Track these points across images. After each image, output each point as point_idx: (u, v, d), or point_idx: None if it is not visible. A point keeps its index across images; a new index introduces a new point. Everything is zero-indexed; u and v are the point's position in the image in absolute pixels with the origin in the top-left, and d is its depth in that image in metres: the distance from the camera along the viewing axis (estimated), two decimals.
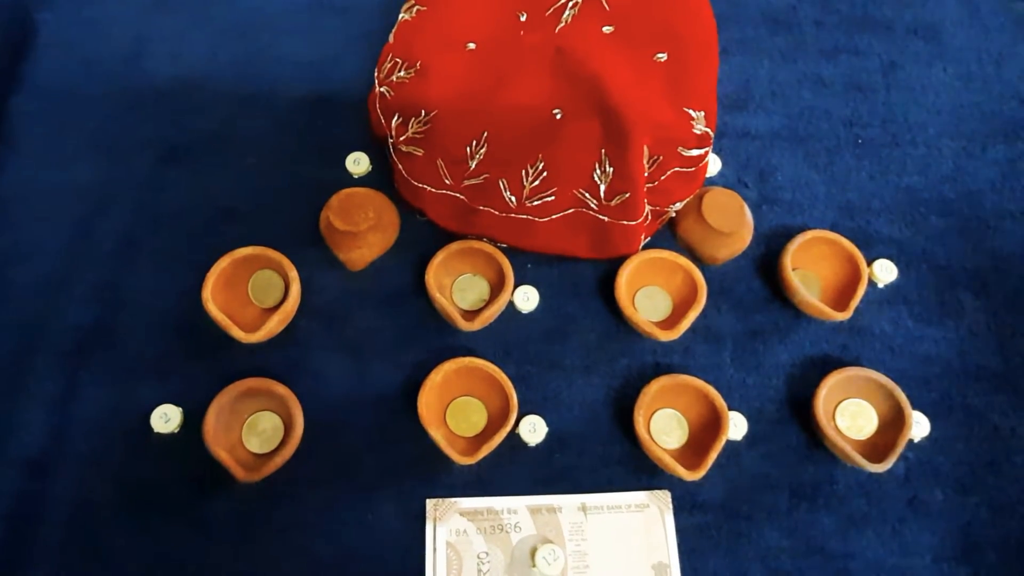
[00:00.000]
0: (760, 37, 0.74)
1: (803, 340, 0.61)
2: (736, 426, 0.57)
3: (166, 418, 0.56)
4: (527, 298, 0.61)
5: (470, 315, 0.60)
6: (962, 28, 0.76)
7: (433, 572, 0.53)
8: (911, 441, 0.58)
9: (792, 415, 0.59)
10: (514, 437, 0.57)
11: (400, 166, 0.62)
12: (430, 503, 0.55)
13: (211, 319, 0.57)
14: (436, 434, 0.55)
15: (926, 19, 0.76)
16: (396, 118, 0.61)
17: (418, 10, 0.64)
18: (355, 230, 0.59)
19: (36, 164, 0.66)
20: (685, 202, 0.62)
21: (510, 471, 0.56)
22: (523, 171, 0.58)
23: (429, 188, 0.61)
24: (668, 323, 0.61)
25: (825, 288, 0.63)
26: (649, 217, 0.61)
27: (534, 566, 0.53)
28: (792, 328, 0.62)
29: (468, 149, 0.58)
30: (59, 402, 0.57)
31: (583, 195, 0.59)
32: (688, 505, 0.56)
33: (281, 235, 0.62)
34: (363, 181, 0.66)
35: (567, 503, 0.56)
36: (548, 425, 0.57)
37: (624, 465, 0.57)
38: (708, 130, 0.60)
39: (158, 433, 0.56)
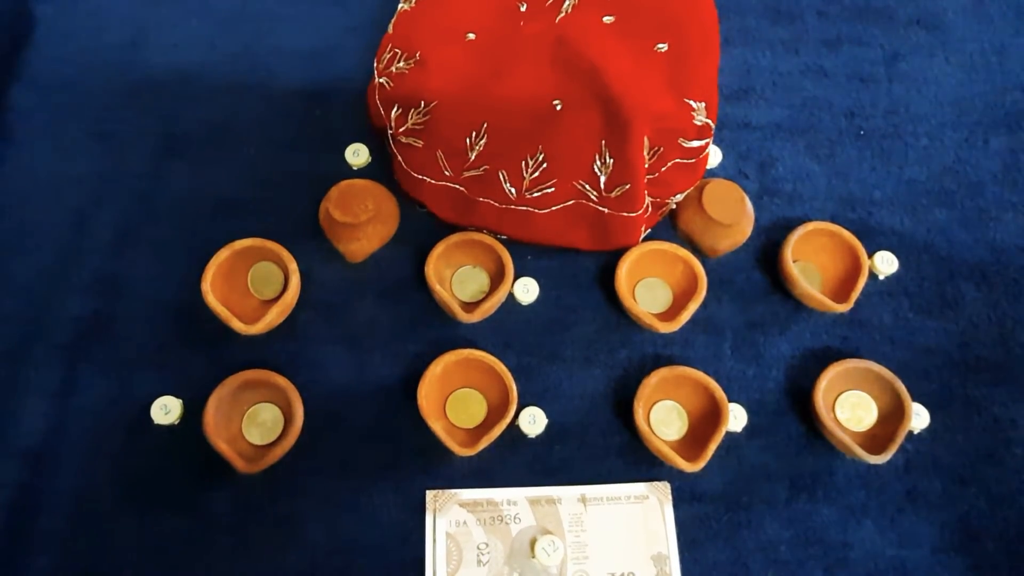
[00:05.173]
0: (762, 27, 0.74)
1: (803, 332, 0.61)
2: (736, 418, 0.57)
3: (166, 409, 0.56)
4: (527, 290, 0.61)
5: (470, 307, 0.59)
6: (964, 18, 0.75)
7: (433, 563, 0.53)
8: (911, 433, 0.58)
9: (792, 406, 0.59)
10: (514, 429, 0.57)
11: (400, 157, 0.62)
12: (430, 494, 0.55)
13: (211, 311, 0.57)
14: (436, 425, 0.55)
15: (928, 9, 0.75)
16: (396, 109, 0.60)
17: (417, 0, 0.63)
18: (354, 221, 0.59)
19: (35, 155, 0.66)
20: (685, 193, 0.62)
21: (510, 462, 0.57)
22: (523, 162, 0.58)
23: (429, 179, 0.61)
24: (668, 315, 0.61)
25: (825, 280, 0.62)
26: (649, 209, 0.61)
27: (533, 557, 0.54)
28: (792, 320, 0.62)
29: (468, 140, 0.58)
30: (59, 394, 0.57)
31: (583, 186, 0.59)
32: (688, 496, 0.56)
33: (280, 227, 0.62)
34: (362, 172, 0.65)
35: (567, 494, 0.56)
36: (548, 417, 0.57)
37: (624, 456, 0.57)
38: (709, 121, 0.60)
39: (158, 424, 0.56)
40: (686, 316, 0.59)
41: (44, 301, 0.60)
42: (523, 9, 0.61)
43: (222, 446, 0.54)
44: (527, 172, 0.58)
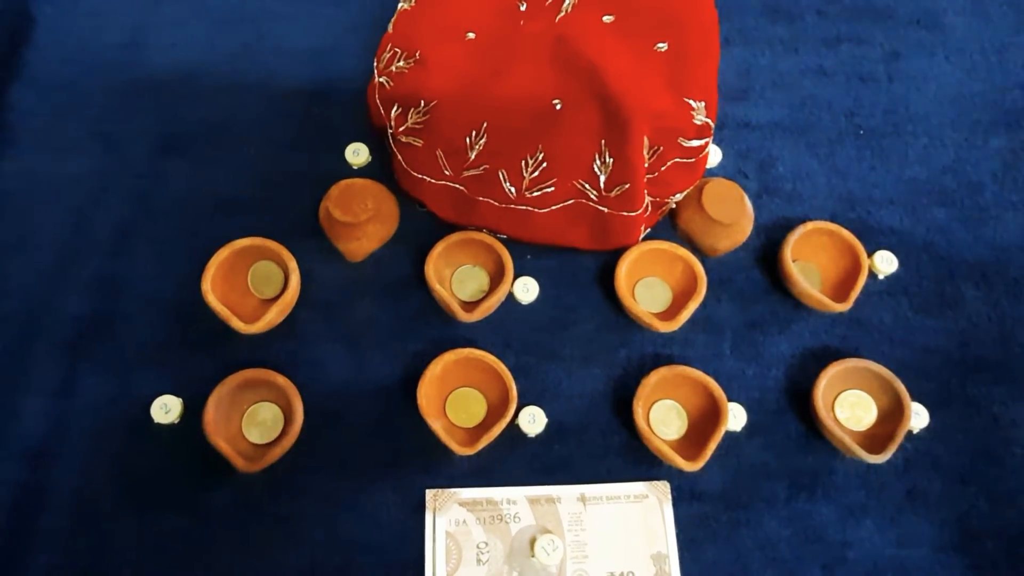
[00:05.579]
0: (761, 27, 0.74)
1: (803, 331, 0.61)
2: (735, 417, 0.57)
3: (166, 408, 0.56)
4: (527, 289, 0.61)
5: (470, 306, 0.59)
6: (964, 17, 0.75)
7: (433, 562, 0.54)
8: (910, 432, 0.58)
9: (791, 406, 0.59)
10: (513, 428, 0.57)
11: (400, 157, 0.62)
12: (430, 493, 0.55)
13: (211, 310, 0.57)
14: (436, 425, 0.55)
15: (928, 8, 0.75)
16: (395, 108, 0.60)
17: None
18: (354, 221, 0.59)
19: (35, 155, 0.66)
20: (685, 193, 0.62)
21: (509, 462, 0.57)
22: (523, 162, 0.58)
23: (429, 179, 0.61)
24: (668, 314, 0.61)
25: (825, 279, 0.62)
26: (649, 208, 0.61)
27: (533, 556, 0.54)
28: (792, 319, 0.62)
29: (468, 139, 0.58)
30: (60, 393, 0.57)
31: (583, 186, 0.59)
32: (687, 495, 0.56)
33: (280, 226, 0.62)
34: (363, 172, 0.65)
35: (566, 493, 0.56)
36: (547, 416, 0.57)
37: (623, 456, 0.57)
38: (708, 120, 0.60)
39: (158, 424, 0.56)
40: (686, 315, 0.59)
41: (44, 300, 0.60)
42: (523, 8, 0.61)
43: (222, 445, 0.54)
44: (527, 171, 0.58)
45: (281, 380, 0.56)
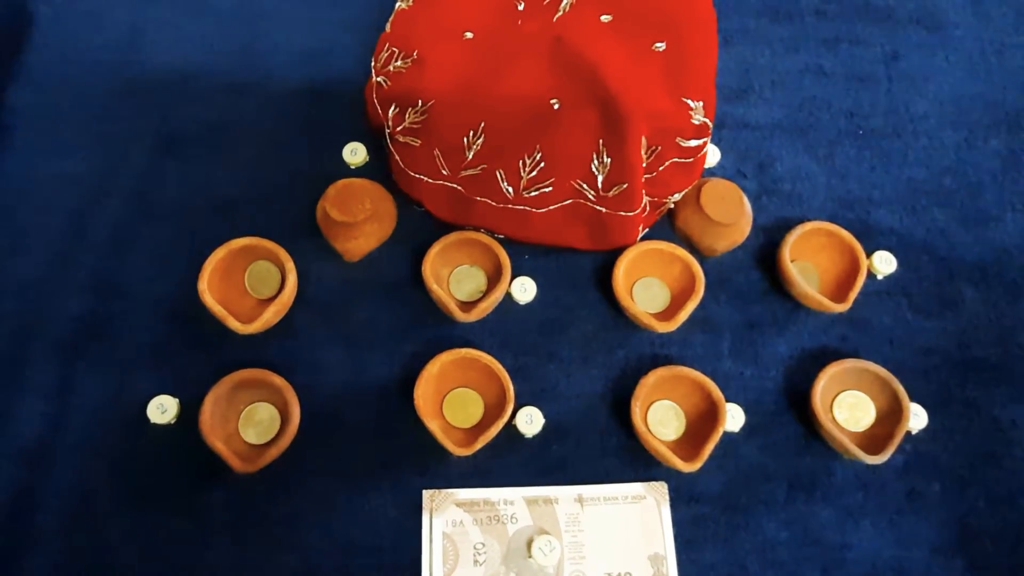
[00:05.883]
0: (761, 26, 0.74)
1: (801, 332, 0.61)
2: (733, 418, 0.57)
3: (163, 409, 0.56)
4: (524, 289, 0.61)
5: (467, 306, 0.59)
6: (964, 17, 0.75)
7: (430, 563, 0.53)
8: (909, 433, 0.58)
9: (790, 407, 0.59)
10: (511, 428, 0.57)
11: (397, 156, 0.62)
12: (427, 494, 0.55)
13: (208, 310, 0.57)
14: (433, 425, 0.55)
15: (928, 8, 0.75)
16: (393, 108, 0.60)
17: None
18: (352, 220, 0.59)
19: (32, 155, 0.66)
20: (683, 193, 0.62)
21: (507, 462, 0.56)
22: (520, 161, 0.58)
23: (426, 179, 0.61)
24: (666, 314, 0.60)
25: (824, 280, 0.62)
26: (647, 208, 0.61)
27: (530, 557, 0.54)
28: (790, 320, 0.62)
29: (465, 139, 0.58)
30: (56, 393, 0.57)
31: (581, 186, 0.58)
32: (685, 496, 0.56)
33: (278, 226, 0.62)
34: (360, 172, 0.65)
35: (563, 494, 0.56)
36: (545, 416, 0.57)
37: (621, 456, 0.57)
38: (707, 120, 0.60)
39: (155, 424, 0.56)
40: (684, 316, 0.59)
41: (42, 301, 0.60)
42: (521, 8, 0.61)
43: (219, 445, 0.53)
44: (524, 171, 0.58)
45: (278, 380, 0.56)
